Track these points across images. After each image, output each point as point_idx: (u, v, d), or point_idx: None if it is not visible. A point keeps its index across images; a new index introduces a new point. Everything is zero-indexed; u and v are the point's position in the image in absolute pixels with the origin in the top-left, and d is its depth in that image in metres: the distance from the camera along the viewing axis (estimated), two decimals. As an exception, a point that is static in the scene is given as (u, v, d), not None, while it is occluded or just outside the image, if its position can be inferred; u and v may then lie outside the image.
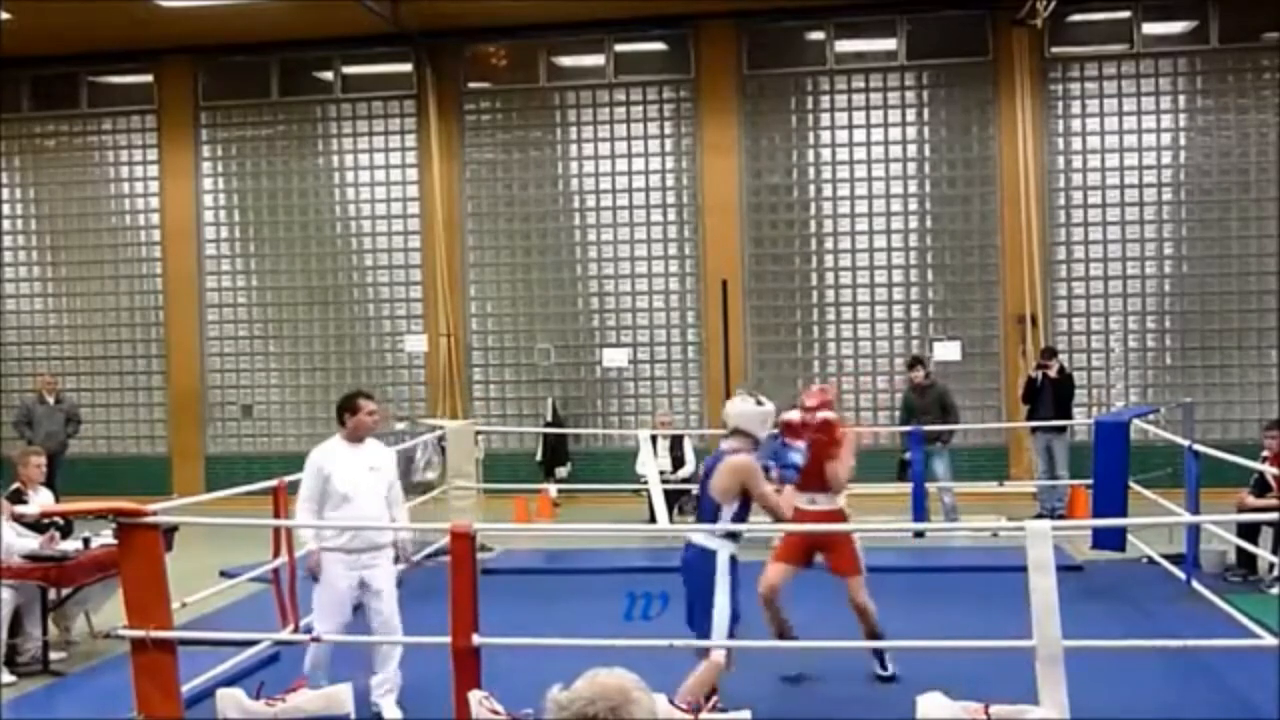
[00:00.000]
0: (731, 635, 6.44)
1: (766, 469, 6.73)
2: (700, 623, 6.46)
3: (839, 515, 7.64)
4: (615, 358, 16.48)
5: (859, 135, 16.13)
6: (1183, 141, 15.74)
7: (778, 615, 7.47)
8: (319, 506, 7.05)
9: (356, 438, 7.25)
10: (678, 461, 13.97)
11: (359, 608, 7.15)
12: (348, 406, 7.29)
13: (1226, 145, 15.57)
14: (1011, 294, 15.68)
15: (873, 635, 7.34)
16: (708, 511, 6.58)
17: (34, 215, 17.98)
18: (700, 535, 6.54)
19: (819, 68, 16.24)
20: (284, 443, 17.09)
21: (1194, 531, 10.02)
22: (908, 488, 12.68)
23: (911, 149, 16.13)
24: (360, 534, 7.02)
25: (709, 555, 6.44)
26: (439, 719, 6.17)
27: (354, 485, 7.05)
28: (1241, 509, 9.98)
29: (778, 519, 6.63)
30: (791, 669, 7.57)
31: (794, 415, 7.11)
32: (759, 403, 6.71)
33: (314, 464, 7.12)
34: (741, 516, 6.54)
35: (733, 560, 6.47)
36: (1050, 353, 14.20)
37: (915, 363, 14.13)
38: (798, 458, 6.73)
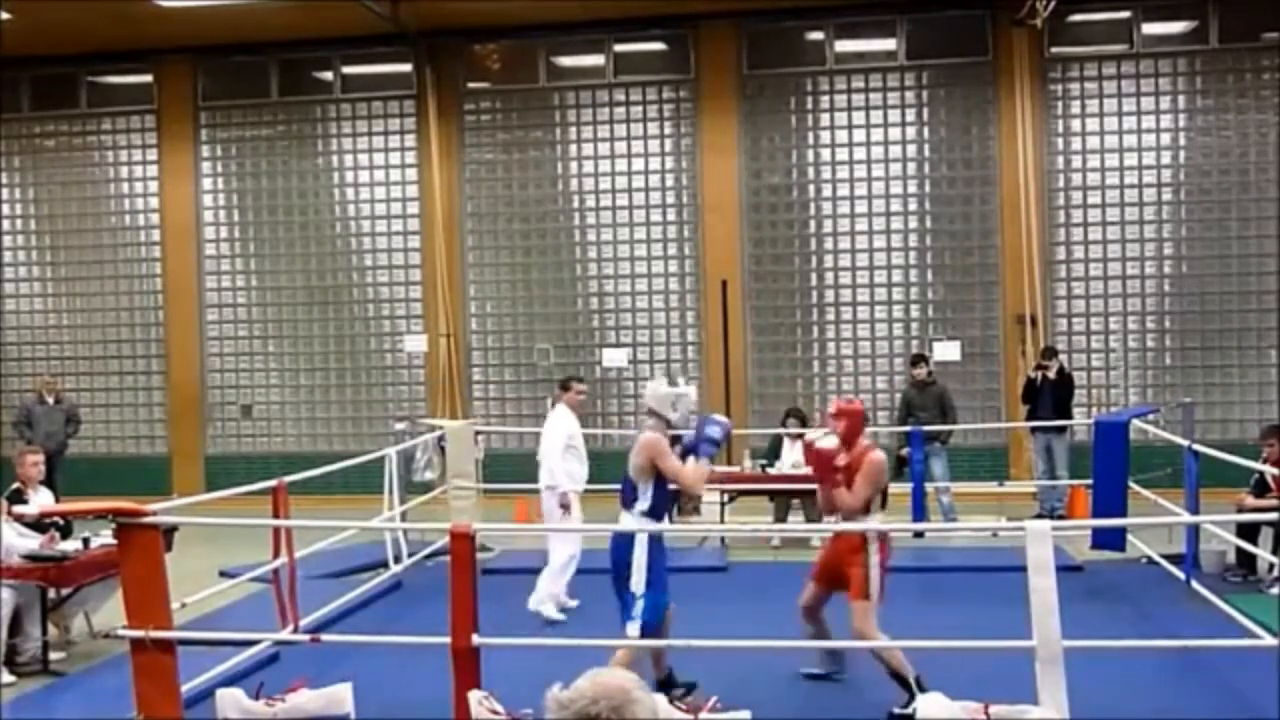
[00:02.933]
0: (659, 618, 6.65)
1: (690, 449, 6.94)
2: (623, 607, 6.66)
3: (853, 539, 7.01)
4: (615, 358, 16.48)
5: (859, 135, 16.12)
6: (1183, 141, 15.74)
7: (818, 630, 7.24)
8: (562, 457, 9.41)
9: (575, 409, 9.65)
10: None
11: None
12: (565, 386, 9.85)
13: (1226, 145, 15.57)
14: (1011, 294, 15.67)
15: (890, 671, 6.79)
16: (628, 491, 6.87)
17: (34, 215, 17.98)
18: (624, 520, 6.86)
19: (819, 68, 16.24)
20: (284, 443, 17.10)
21: (1194, 531, 10.01)
22: (907, 487, 12.67)
23: (911, 149, 16.13)
24: (583, 478, 9.65)
25: (628, 539, 6.68)
26: (439, 719, 6.17)
27: (579, 443, 9.56)
28: (1241, 509, 9.97)
29: (689, 492, 6.83)
30: (814, 667, 7.47)
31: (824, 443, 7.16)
32: (672, 384, 7.06)
33: (567, 426, 9.53)
34: (660, 493, 6.83)
35: (656, 540, 6.71)
36: (1050, 353, 14.20)
37: (919, 360, 14.16)
38: (716, 431, 6.85)
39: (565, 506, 9.37)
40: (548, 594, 9.27)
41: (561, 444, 9.47)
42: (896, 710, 6.66)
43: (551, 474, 9.46)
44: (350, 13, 14.63)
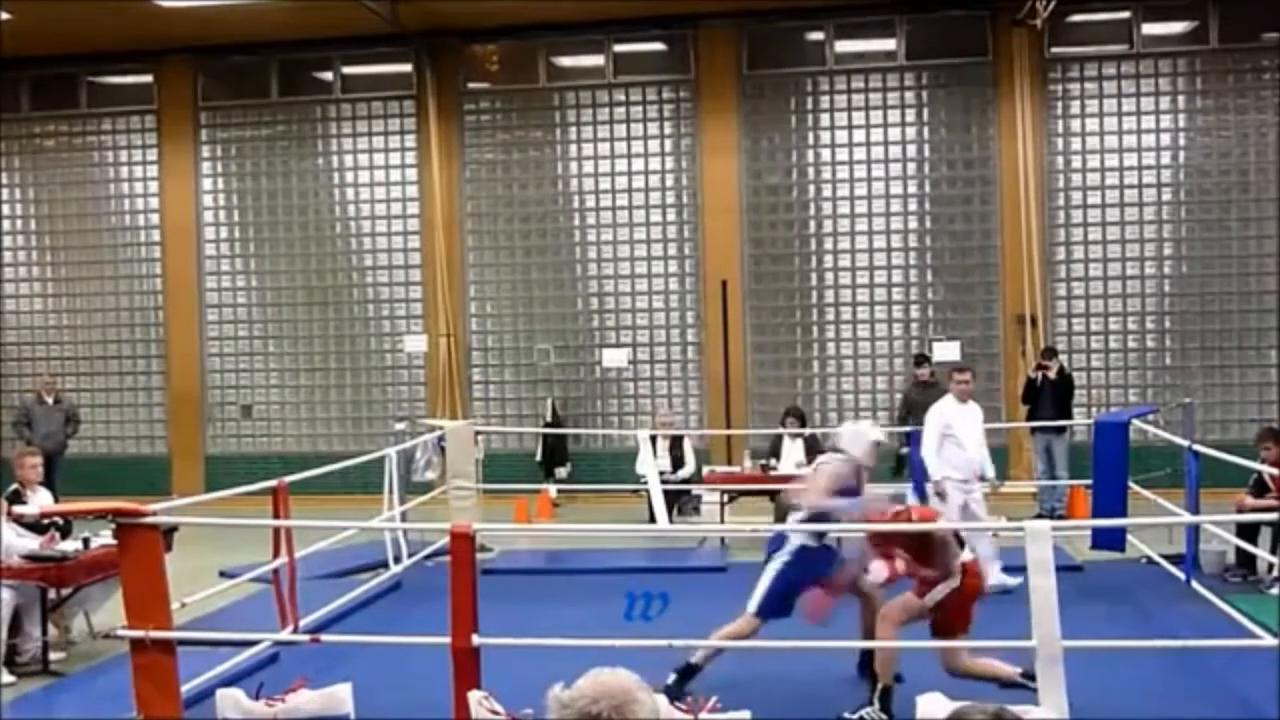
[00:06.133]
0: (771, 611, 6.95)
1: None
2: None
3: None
4: (615, 358, 16.48)
5: (859, 135, 16.12)
6: (1183, 141, 15.74)
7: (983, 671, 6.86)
8: (938, 446, 9.82)
9: (961, 399, 10.06)
10: (677, 462, 13.95)
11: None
12: (949, 376, 10.45)
13: (1226, 145, 15.57)
14: (1011, 294, 15.68)
15: (872, 669, 6.84)
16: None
17: (34, 215, 17.98)
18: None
19: (819, 68, 16.24)
20: (284, 443, 17.10)
21: (1194, 531, 10.01)
22: (906, 486, 12.65)
23: (911, 149, 16.13)
24: (967, 466, 9.84)
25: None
26: (439, 719, 6.17)
27: (963, 431, 9.86)
28: (1241, 509, 9.97)
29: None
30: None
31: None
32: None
33: (947, 416, 9.94)
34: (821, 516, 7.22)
35: (803, 549, 7.03)
36: (1050, 353, 14.20)
37: (921, 360, 14.17)
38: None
39: (940, 495, 9.72)
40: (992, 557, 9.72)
41: (936, 435, 9.92)
42: (847, 715, 6.65)
43: (927, 465, 9.99)
44: (350, 13, 14.62)
